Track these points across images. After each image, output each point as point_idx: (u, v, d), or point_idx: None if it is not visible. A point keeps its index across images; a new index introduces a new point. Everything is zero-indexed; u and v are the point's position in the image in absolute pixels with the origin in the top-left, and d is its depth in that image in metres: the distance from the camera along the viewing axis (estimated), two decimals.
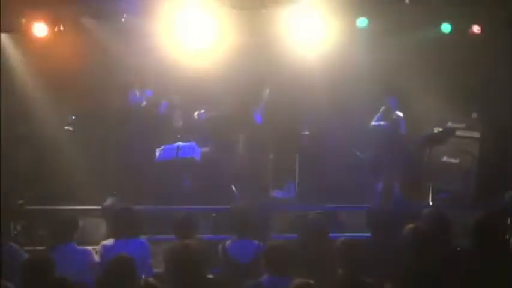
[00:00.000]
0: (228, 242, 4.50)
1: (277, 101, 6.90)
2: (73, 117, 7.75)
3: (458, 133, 7.76)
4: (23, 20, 6.69)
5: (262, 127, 6.70)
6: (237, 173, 7.05)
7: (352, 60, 8.26)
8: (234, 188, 7.40)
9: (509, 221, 5.77)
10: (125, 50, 7.82)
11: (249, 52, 7.86)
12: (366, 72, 8.33)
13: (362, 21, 7.47)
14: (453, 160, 7.96)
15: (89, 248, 4.56)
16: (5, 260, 4.24)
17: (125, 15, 7.31)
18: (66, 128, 7.59)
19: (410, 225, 4.13)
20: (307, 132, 7.97)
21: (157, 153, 7.35)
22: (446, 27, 7.41)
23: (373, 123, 6.92)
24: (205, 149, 7.63)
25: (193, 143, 7.41)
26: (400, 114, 7.01)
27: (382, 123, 6.89)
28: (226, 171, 7.64)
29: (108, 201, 5.70)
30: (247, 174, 6.83)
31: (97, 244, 4.58)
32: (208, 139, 7.71)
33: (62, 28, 7.02)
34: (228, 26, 7.17)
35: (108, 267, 3.71)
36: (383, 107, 7.09)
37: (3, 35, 6.68)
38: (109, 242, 4.49)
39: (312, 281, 3.37)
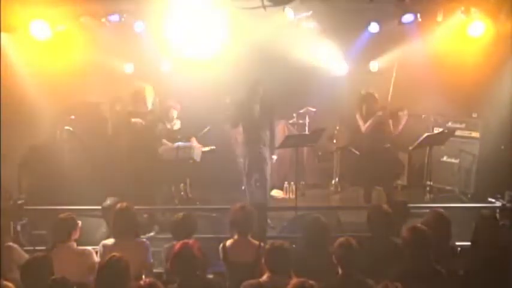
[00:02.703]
0: (228, 242, 4.50)
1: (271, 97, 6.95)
2: (73, 117, 7.76)
3: (458, 133, 7.77)
4: (23, 20, 6.68)
5: (260, 121, 6.75)
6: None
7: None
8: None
9: (508, 221, 5.79)
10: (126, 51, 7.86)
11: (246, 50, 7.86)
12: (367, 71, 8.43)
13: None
14: (453, 160, 7.97)
15: (89, 248, 4.56)
16: (5, 260, 4.25)
17: (124, 15, 7.32)
18: (66, 128, 7.59)
19: (410, 225, 4.13)
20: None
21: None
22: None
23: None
24: (205, 149, 7.64)
25: (192, 143, 7.42)
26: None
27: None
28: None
29: (108, 201, 5.70)
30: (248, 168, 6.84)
31: (97, 244, 4.58)
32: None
33: (62, 28, 7.03)
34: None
35: (101, 268, 3.71)
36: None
37: (3, 35, 6.67)
38: (109, 242, 4.49)
39: (312, 281, 3.37)
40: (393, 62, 7.68)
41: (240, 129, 7.02)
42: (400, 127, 6.91)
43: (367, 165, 6.90)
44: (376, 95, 6.88)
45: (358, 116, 6.96)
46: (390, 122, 6.90)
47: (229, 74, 7.57)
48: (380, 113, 6.76)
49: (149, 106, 6.87)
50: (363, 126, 6.90)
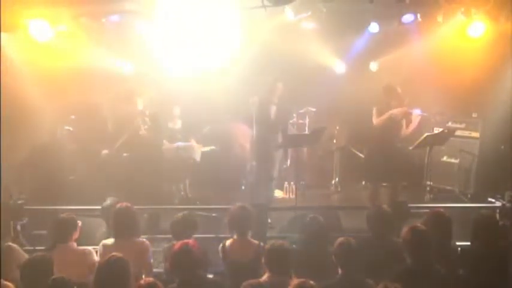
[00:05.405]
0: (227, 242, 4.50)
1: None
2: (73, 117, 7.76)
3: (458, 133, 7.77)
4: (23, 20, 6.68)
5: (275, 121, 6.76)
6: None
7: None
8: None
9: (508, 221, 5.79)
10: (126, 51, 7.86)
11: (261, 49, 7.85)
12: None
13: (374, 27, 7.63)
14: (453, 160, 7.97)
15: (89, 248, 4.56)
16: (5, 260, 4.24)
17: (124, 15, 7.32)
18: (66, 128, 7.60)
19: (410, 225, 4.13)
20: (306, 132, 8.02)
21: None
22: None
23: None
24: (205, 149, 7.65)
25: (193, 144, 7.42)
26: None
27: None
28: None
29: (108, 201, 5.70)
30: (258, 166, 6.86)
31: (97, 244, 4.58)
32: None
33: (62, 28, 7.03)
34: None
35: (100, 268, 3.71)
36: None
37: (3, 34, 6.67)
38: (109, 242, 4.49)
39: (312, 281, 3.37)
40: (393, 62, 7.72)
41: (245, 132, 7.02)
42: (412, 128, 6.87)
43: (377, 162, 6.84)
44: (399, 89, 6.81)
45: (374, 111, 6.87)
46: (404, 121, 6.86)
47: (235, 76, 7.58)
48: (396, 111, 6.71)
49: (139, 107, 6.90)
50: (375, 119, 6.81)
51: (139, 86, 7.44)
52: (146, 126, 7.12)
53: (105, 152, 7.01)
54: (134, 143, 6.93)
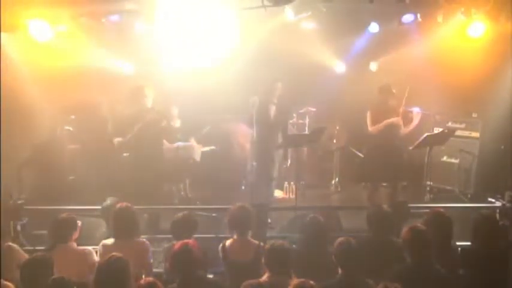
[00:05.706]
0: (227, 242, 4.50)
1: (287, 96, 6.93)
2: (73, 117, 7.75)
3: (458, 133, 7.77)
4: (23, 20, 6.68)
5: (274, 121, 6.75)
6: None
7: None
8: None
9: (508, 221, 5.79)
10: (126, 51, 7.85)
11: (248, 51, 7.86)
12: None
13: (374, 27, 7.63)
14: (453, 160, 7.97)
15: (89, 248, 4.56)
16: (5, 260, 4.24)
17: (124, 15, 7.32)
18: (66, 128, 7.59)
19: (410, 225, 4.13)
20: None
21: None
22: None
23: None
24: (205, 149, 7.64)
25: (193, 143, 7.42)
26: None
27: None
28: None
29: (108, 201, 5.70)
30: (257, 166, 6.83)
31: (97, 244, 4.58)
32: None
33: (62, 28, 7.03)
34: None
35: (100, 268, 3.71)
36: None
37: (3, 34, 6.67)
38: (109, 242, 4.49)
39: (312, 281, 3.37)
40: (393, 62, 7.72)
41: (245, 132, 7.01)
42: (412, 126, 6.86)
43: (375, 161, 6.83)
44: (394, 90, 6.80)
45: (368, 114, 6.85)
46: (401, 120, 6.84)
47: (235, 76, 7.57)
48: (395, 120, 6.70)
49: (149, 104, 6.85)
50: (371, 127, 6.80)
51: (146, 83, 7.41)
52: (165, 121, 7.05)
53: (118, 139, 6.88)
54: (154, 132, 6.81)
